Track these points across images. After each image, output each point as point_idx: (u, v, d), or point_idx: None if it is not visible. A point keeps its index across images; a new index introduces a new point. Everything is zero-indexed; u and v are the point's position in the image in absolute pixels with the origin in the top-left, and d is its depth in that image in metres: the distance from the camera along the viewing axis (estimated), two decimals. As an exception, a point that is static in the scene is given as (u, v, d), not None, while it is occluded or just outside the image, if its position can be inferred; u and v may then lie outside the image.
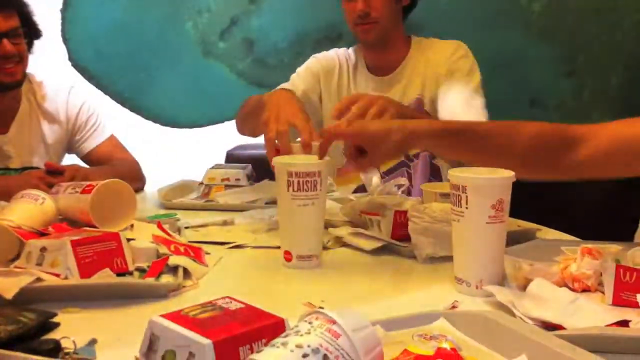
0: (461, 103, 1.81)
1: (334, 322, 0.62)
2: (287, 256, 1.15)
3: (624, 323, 0.85)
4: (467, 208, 0.99)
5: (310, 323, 0.63)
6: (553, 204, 1.30)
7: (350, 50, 2.05)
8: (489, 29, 2.47)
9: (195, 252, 1.16)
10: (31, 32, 1.93)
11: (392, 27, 1.92)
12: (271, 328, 0.68)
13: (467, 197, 0.98)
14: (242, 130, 1.92)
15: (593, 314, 0.87)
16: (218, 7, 2.66)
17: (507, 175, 1.00)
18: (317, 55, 2.05)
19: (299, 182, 1.11)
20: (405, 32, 2.00)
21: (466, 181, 0.99)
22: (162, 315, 0.68)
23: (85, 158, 2.04)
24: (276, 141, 1.38)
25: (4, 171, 1.90)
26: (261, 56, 2.65)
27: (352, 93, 1.97)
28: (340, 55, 2.03)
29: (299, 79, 1.99)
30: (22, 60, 1.87)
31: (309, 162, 1.16)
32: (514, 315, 0.88)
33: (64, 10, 2.68)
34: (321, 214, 1.16)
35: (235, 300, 0.72)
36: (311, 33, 2.62)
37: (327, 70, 1.99)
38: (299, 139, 1.39)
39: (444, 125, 1.21)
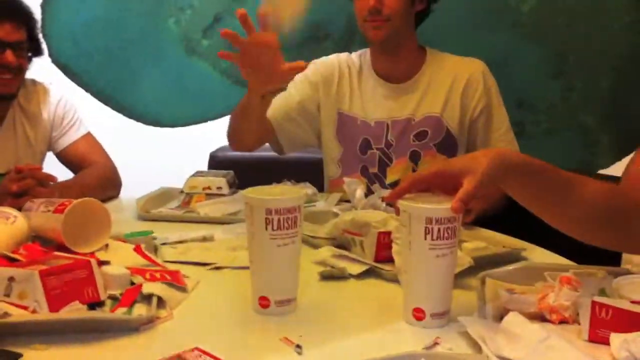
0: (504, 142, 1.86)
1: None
2: (264, 302, 1.02)
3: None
4: None
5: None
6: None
7: (354, 55, 1.97)
8: (477, 29, 2.43)
9: (172, 276, 1.13)
10: (34, 48, 1.93)
11: (404, 29, 1.83)
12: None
13: None
14: (235, 145, 1.88)
15: (563, 355, 0.84)
16: (201, 4, 2.61)
17: None
18: (316, 61, 1.97)
19: (279, 219, 0.98)
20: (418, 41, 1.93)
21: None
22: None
23: (59, 155, 2.01)
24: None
25: None
26: (246, 55, 2.60)
27: (357, 98, 1.92)
28: (341, 60, 1.96)
29: (296, 89, 1.93)
30: (20, 73, 1.86)
31: (289, 196, 1.01)
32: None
33: (44, 5, 2.62)
34: (299, 251, 1.04)
35: (205, 353, 0.69)
36: (296, 32, 2.57)
37: (326, 78, 1.93)
38: None
39: (526, 157, 1.03)
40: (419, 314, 0.97)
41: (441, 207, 0.94)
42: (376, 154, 1.90)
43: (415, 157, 1.88)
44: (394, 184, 1.85)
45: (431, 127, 1.87)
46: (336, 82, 1.92)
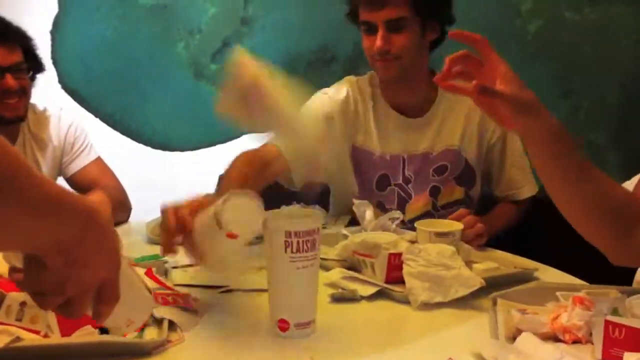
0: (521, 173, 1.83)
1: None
2: (283, 325, 1.02)
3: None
4: None
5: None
6: (558, 236, 1.28)
7: (364, 80, 1.85)
8: (484, 50, 2.44)
9: (183, 299, 1.13)
10: (34, 66, 1.90)
11: (416, 63, 1.74)
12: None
13: None
14: None
15: None
16: (209, 28, 2.64)
17: None
18: (327, 91, 1.84)
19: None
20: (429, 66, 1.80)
21: None
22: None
23: (70, 180, 2.00)
24: None
25: None
26: (253, 78, 2.62)
27: (371, 130, 1.81)
28: (352, 86, 1.83)
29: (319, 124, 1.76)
30: (25, 94, 1.85)
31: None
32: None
33: (53, 32, 2.65)
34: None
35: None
36: (304, 55, 2.59)
37: (342, 110, 1.81)
38: None
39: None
40: (283, 325, 1.02)
41: (299, 220, 1.00)
42: (395, 190, 1.81)
43: (435, 192, 1.81)
44: (413, 220, 1.76)
45: (451, 160, 1.80)
46: (352, 111, 1.82)
